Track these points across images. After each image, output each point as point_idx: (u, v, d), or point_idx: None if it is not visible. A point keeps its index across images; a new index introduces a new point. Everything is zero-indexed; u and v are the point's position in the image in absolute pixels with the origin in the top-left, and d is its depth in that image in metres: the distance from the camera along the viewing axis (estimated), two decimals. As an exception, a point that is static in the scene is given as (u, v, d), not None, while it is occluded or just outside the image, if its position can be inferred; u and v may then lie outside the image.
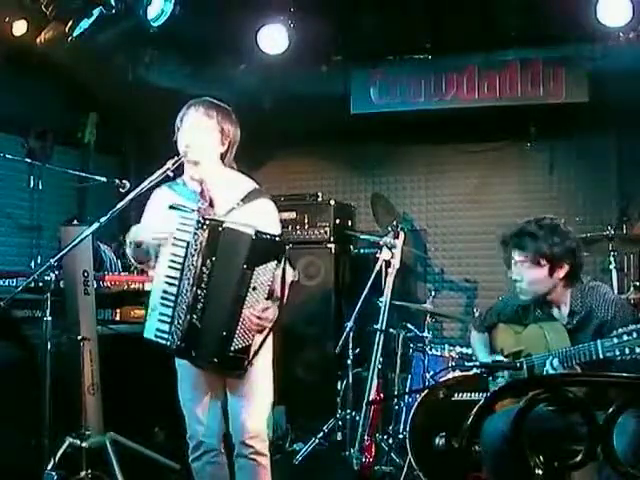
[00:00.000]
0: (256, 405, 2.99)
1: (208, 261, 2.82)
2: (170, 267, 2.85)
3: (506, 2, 5.03)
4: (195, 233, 2.82)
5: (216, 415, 3.04)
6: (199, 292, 2.82)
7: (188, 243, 2.82)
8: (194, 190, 3.02)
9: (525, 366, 3.08)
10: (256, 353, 2.90)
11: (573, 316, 3.04)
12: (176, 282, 2.84)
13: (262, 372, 3.00)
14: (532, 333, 3.14)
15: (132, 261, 3.07)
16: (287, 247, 2.94)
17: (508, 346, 3.26)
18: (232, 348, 2.83)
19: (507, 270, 3.17)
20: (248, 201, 2.98)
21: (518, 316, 3.25)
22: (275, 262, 2.84)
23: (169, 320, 2.84)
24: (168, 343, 2.85)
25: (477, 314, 3.60)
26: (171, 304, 2.85)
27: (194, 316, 2.83)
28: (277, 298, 2.92)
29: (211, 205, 2.97)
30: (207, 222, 2.82)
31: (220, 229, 2.82)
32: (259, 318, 2.83)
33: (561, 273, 3.01)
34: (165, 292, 2.86)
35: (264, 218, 2.96)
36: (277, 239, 2.88)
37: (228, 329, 2.82)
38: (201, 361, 2.94)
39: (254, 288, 2.81)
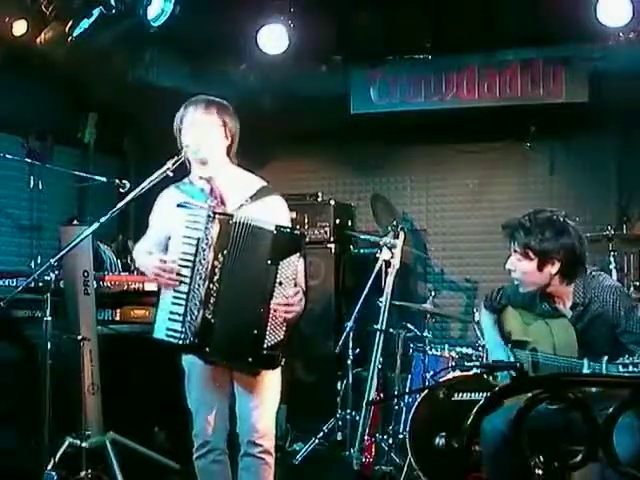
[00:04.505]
0: (266, 404, 3.00)
1: (220, 255, 2.83)
2: (181, 265, 2.84)
3: (506, 2, 5.03)
4: (206, 228, 2.82)
5: (223, 415, 3.04)
6: (211, 286, 2.83)
7: (199, 239, 2.82)
8: (202, 188, 3.01)
9: (530, 360, 3.09)
10: (285, 347, 2.90)
11: (575, 308, 3.03)
12: (187, 280, 2.83)
13: (271, 371, 2.99)
14: (539, 328, 3.14)
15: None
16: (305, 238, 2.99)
17: (516, 332, 3.26)
18: (265, 345, 2.83)
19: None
20: (257, 198, 2.99)
21: (527, 304, 3.23)
22: (297, 254, 2.87)
23: (181, 318, 2.82)
24: (180, 341, 2.83)
25: (488, 293, 3.50)
26: (183, 302, 2.83)
27: (207, 311, 2.82)
28: (301, 288, 2.94)
29: (222, 202, 2.98)
30: (217, 216, 2.84)
31: (231, 222, 2.84)
32: (288, 305, 2.84)
33: (552, 269, 2.97)
34: (176, 291, 2.85)
35: (275, 214, 2.98)
36: (296, 232, 2.95)
37: (259, 327, 2.82)
38: (215, 357, 2.92)
39: (280, 283, 2.83)
